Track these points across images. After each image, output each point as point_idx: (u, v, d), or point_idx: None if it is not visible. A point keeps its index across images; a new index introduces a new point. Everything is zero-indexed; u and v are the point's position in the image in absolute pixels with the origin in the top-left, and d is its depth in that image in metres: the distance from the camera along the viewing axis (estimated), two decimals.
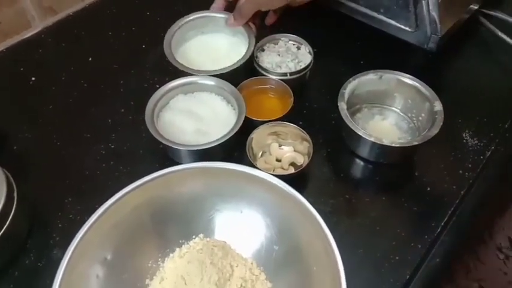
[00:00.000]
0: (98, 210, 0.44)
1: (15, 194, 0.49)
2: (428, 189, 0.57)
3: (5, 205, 0.46)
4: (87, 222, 0.43)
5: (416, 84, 0.60)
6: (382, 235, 0.53)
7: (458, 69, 0.71)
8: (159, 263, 0.48)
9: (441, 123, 0.56)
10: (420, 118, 0.61)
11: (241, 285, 0.45)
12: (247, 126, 0.58)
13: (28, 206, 0.51)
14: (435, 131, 0.55)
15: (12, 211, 0.48)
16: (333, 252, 0.41)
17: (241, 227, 0.49)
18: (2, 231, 0.46)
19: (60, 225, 0.53)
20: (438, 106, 0.58)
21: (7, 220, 0.47)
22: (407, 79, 0.61)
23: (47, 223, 0.53)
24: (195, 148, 0.55)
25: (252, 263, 0.48)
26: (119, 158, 0.59)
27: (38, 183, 0.56)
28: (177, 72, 0.63)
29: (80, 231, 0.43)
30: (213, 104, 0.62)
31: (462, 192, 0.56)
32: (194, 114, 0.60)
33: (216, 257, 0.46)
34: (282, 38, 0.69)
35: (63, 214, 0.53)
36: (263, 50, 0.68)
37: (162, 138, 0.55)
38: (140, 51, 0.74)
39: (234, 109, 0.61)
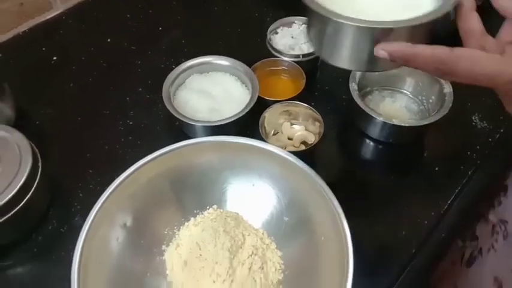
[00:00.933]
0: (118, 178, 0.46)
1: (39, 164, 0.51)
2: (437, 168, 0.58)
3: (30, 174, 0.49)
4: (107, 189, 0.46)
5: None
6: (389, 211, 0.54)
7: None
8: (174, 230, 0.50)
9: (450, 105, 0.57)
10: (430, 101, 0.62)
11: (252, 253, 0.47)
12: (260, 106, 0.59)
13: (50, 177, 0.54)
14: (444, 111, 0.56)
15: (37, 179, 0.50)
16: (341, 223, 0.43)
17: (253, 200, 0.51)
18: (27, 198, 0.49)
19: (81, 195, 0.55)
20: (448, 88, 0.59)
21: (32, 187, 0.49)
22: None
23: (69, 193, 0.55)
24: (210, 124, 0.57)
25: (263, 233, 0.50)
26: (136, 133, 0.62)
27: (60, 156, 0.59)
28: (193, 54, 0.65)
29: (101, 197, 0.45)
30: (227, 83, 0.64)
31: (469, 173, 0.57)
32: (208, 93, 0.63)
33: (228, 226, 0.48)
34: (295, 21, 0.70)
35: (83, 185, 0.56)
36: (276, 33, 0.70)
37: (178, 114, 0.57)
38: (157, 34, 0.76)
39: (247, 89, 0.63)
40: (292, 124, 0.62)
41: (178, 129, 0.61)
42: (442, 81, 0.59)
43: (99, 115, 0.64)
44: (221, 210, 0.52)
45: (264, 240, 0.49)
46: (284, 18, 0.70)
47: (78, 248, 0.42)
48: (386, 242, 0.52)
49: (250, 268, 0.46)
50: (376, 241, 0.52)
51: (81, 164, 0.58)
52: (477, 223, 0.73)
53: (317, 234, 0.47)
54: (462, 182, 0.57)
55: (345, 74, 0.61)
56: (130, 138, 0.62)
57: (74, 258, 0.41)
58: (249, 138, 0.50)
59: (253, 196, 0.51)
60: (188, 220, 0.51)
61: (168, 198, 0.50)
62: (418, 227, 0.53)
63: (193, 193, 0.51)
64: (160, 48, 0.73)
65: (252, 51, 0.68)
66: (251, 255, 0.47)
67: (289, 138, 0.61)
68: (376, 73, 0.63)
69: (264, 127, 0.59)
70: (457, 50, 0.33)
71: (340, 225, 0.43)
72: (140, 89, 0.67)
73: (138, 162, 0.48)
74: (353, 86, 0.59)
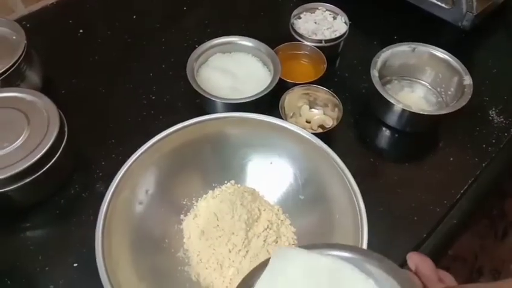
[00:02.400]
0: (143, 146, 0.48)
1: (65, 129, 0.53)
2: (451, 159, 0.59)
3: (57, 137, 0.51)
4: (133, 155, 0.47)
5: (448, 58, 0.62)
6: (402, 197, 0.55)
7: (489, 49, 0.72)
8: (193, 201, 0.52)
9: (469, 96, 0.58)
10: (449, 92, 0.63)
11: (267, 227, 0.49)
12: (280, 88, 0.60)
13: (75, 143, 0.56)
14: (463, 102, 0.57)
15: (63, 144, 0.52)
16: (357, 202, 0.44)
17: (270, 177, 0.53)
18: (53, 161, 0.50)
19: (103, 163, 0.57)
20: (468, 80, 0.59)
21: (58, 151, 0.51)
22: (440, 53, 0.62)
23: (92, 160, 0.57)
24: (231, 101, 0.58)
25: (278, 209, 0.51)
26: (158, 108, 0.63)
27: (84, 125, 0.60)
28: (215, 34, 0.66)
29: (127, 162, 0.47)
30: (249, 64, 0.65)
31: (483, 165, 0.58)
32: (231, 73, 0.64)
33: (245, 200, 0.50)
34: (319, 7, 0.71)
35: (106, 153, 0.58)
36: (300, 18, 0.70)
37: (201, 90, 0.58)
38: (181, 13, 0.77)
39: (268, 71, 0.64)
40: (311, 107, 0.63)
41: (199, 106, 0.62)
42: (462, 72, 0.60)
43: (123, 88, 0.66)
44: (239, 185, 0.53)
45: (279, 216, 0.51)
46: (307, 4, 0.71)
47: (102, 210, 0.44)
48: (398, 226, 0.53)
49: (264, 241, 0.48)
50: (388, 224, 0.53)
51: (104, 133, 0.60)
52: (504, 201, 0.75)
53: (332, 212, 0.48)
54: (475, 173, 0.57)
55: (365, 62, 0.62)
56: (152, 112, 0.63)
57: (99, 216, 0.43)
58: (270, 116, 0.51)
59: (271, 173, 0.53)
60: (206, 193, 0.53)
61: (189, 170, 0.52)
62: (430, 213, 0.54)
63: (213, 167, 0.53)
64: (184, 27, 0.74)
65: (274, 34, 0.69)
66: (266, 229, 0.49)
67: (307, 121, 0.62)
68: (397, 63, 0.64)
69: (284, 108, 0.60)
70: None
71: (356, 204, 0.44)
72: (163, 66, 0.69)
73: (163, 132, 0.49)
74: (374, 73, 0.59)
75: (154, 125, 0.61)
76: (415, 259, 0.37)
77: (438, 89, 0.65)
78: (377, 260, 0.31)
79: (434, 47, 0.63)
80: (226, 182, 0.53)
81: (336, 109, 0.60)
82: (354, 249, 0.33)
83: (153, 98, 0.65)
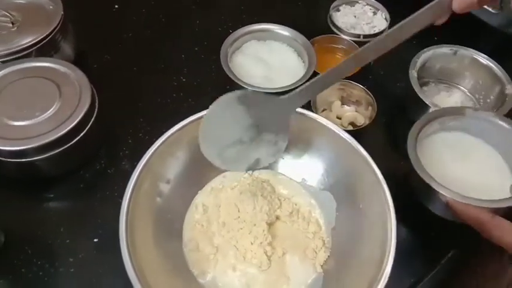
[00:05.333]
0: (171, 129, 0.48)
1: (96, 104, 0.53)
2: None
3: (88, 111, 0.51)
4: (160, 138, 0.47)
5: (491, 65, 0.59)
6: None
7: None
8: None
9: (510, 106, 0.55)
10: (488, 100, 0.61)
11: (290, 213, 0.49)
12: None
13: (104, 119, 0.55)
14: (503, 112, 0.55)
15: (93, 117, 0.52)
16: (384, 194, 0.44)
17: (296, 167, 0.52)
18: (82, 134, 0.50)
19: (130, 141, 0.57)
20: (510, 89, 0.57)
21: (88, 125, 0.51)
22: (482, 59, 0.60)
23: (119, 137, 0.57)
24: (262, 90, 0.57)
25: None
26: (188, 90, 0.63)
27: (113, 102, 0.59)
28: (250, 21, 0.65)
29: (153, 145, 0.46)
30: (284, 54, 0.64)
31: None
32: (264, 61, 0.63)
33: (265, 191, 0.49)
34: (359, 1, 0.69)
35: (133, 132, 0.57)
36: (338, 10, 0.69)
37: (233, 76, 0.58)
38: None
39: (302, 62, 0.63)
40: (343, 104, 0.61)
41: (229, 92, 0.61)
42: (505, 81, 0.58)
43: (154, 68, 0.65)
44: (255, 176, 0.52)
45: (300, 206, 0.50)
46: None
47: (128, 189, 0.43)
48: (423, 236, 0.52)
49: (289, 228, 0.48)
50: (414, 230, 0.51)
51: (133, 112, 0.60)
52: None
53: (356, 203, 0.47)
54: None
55: (403, 61, 0.60)
56: (181, 94, 0.62)
57: (124, 195, 0.43)
58: (301, 108, 0.50)
59: (300, 165, 0.52)
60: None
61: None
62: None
63: None
64: (220, 12, 0.73)
65: (311, 25, 0.68)
66: (290, 216, 0.49)
67: (338, 117, 0.61)
68: (437, 65, 0.62)
69: (315, 102, 0.59)
70: (496, 220, 0.43)
71: (383, 196, 0.44)
72: (196, 49, 0.68)
73: (192, 116, 0.49)
74: (412, 73, 0.58)
75: (183, 107, 0.61)
76: None
77: (476, 96, 0.62)
78: None
79: (476, 51, 0.61)
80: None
81: (370, 108, 0.59)
82: None
83: (184, 80, 0.64)
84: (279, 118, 0.44)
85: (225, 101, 0.42)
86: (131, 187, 0.43)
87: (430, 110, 0.56)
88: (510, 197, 0.46)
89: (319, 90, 0.45)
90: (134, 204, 0.43)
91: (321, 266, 0.46)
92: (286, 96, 0.43)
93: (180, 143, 0.49)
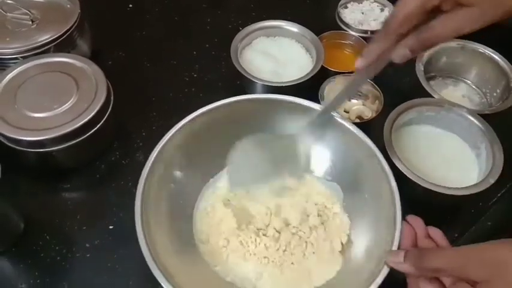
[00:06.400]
0: (182, 121, 0.50)
1: (111, 97, 0.55)
2: None
3: (104, 104, 0.53)
4: (172, 130, 0.49)
5: (497, 58, 0.60)
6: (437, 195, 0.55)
7: None
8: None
9: None
10: (494, 94, 0.61)
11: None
12: (322, 75, 0.60)
13: (118, 112, 0.57)
14: (509, 104, 0.56)
15: (108, 111, 0.54)
16: (389, 183, 0.45)
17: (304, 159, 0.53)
18: (98, 126, 0.52)
19: (144, 134, 0.59)
20: None
21: (103, 117, 0.53)
22: (489, 53, 0.61)
23: (133, 130, 0.59)
24: (271, 84, 0.59)
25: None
26: (199, 86, 0.65)
27: (127, 96, 0.61)
28: (260, 18, 0.66)
29: (165, 136, 0.48)
30: (293, 50, 0.65)
31: None
32: (273, 57, 0.64)
33: None
34: None
35: (147, 125, 0.60)
36: (346, 7, 0.70)
37: (243, 71, 0.59)
38: None
39: (311, 57, 0.64)
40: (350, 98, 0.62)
41: (239, 87, 0.63)
42: (511, 74, 0.59)
43: (167, 64, 0.67)
44: None
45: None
46: None
47: (142, 178, 0.45)
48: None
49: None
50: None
51: (146, 106, 0.62)
52: None
53: (363, 194, 0.49)
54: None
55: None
56: (193, 89, 0.64)
57: (138, 185, 0.45)
58: (308, 101, 0.51)
59: (305, 156, 0.53)
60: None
61: (219, 149, 0.52)
62: (468, 214, 0.53)
63: None
64: (230, 9, 0.75)
65: (319, 22, 0.69)
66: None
67: (345, 111, 0.62)
68: (443, 59, 0.63)
69: (324, 96, 0.60)
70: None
71: (388, 185, 0.45)
72: (207, 45, 0.70)
73: (202, 108, 0.50)
74: (419, 67, 0.59)
75: (194, 102, 0.61)
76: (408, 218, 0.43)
77: (483, 90, 0.63)
78: None
79: (483, 46, 0.62)
80: None
81: (377, 101, 0.60)
82: None
83: (195, 76, 0.66)
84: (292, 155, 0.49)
85: (243, 148, 0.49)
86: (146, 172, 0.45)
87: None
88: (474, 185, 0.48)
89: (324, 123, 0.49)
90: (149, 188, 0.45)
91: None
92: (294, 133, 0.49)
93: (193, 132, 0.50)
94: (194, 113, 0.51)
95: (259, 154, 0.49)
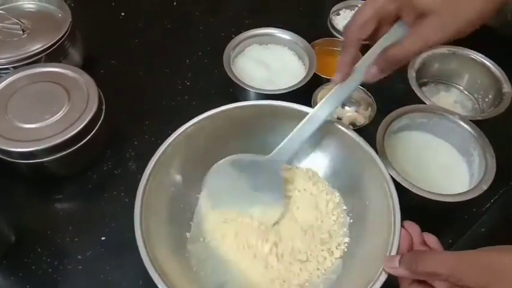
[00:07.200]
0: (178, 130, 0.49)
1: (103, 107, 0.55)
2: None
3: (95, 114, 0.52)
4: (168, 139, 0.48)
5: (489, 64, 0.61)
6: (430, 202, 0.54)
7: None
8: None
9: (508, 104, 0.56)
10: (486, 100, 0.62)
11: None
12: (314, 83, 0.60)
13: (111, 122, 0.57)
14: (500, 110, 0.56)
15: (100, 120, 0.53)
16: (389, 188, 0.45)
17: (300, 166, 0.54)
18: (89, 136, 0.52)
19: (136, 143, 0.59)
20: (507, 88, 0.58)
21: (95, 127, 0.53)
22: (481, 58, 0.61)
23: (125, 139, 0.59)
24: (263, 92, 0.59)
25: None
26: (192, 94, 0.65)
27: (120, 105, 0.61)
28: (253, 26, 0.67)
29: (161, 146, 0.48)
30: (285, 57, 0.65)
31: None
32: (266, 64, 0.64)
33: None
34: (359, 5, 0.70)
35: (139, 134, 0.59)
36: (338, 14, 0.70)
37: (236, 79, 0.59)
38: (221, 3, 0.78)
39: (304, 65, 0.64)
40: (343, 105, 0.62)
41: (232, 95, 0.63)
42: (502, 80, 0.59)
43: (160, 72, 0.67)
44: None
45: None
46: (347, 1, 0.71)
47: (140, 188, 0.45)
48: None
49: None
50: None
51: (139, 114, 0.62)
52: None
53: (363, 200, 0.48)
54: (508, 184, 0.56)
55: None
56: (186, 97, 0.64)
57: (137, 194, 0.44)
58: (302, 105, 0.51)
59: (308, 163, 0.53)
60: None
61: (220, 156, 0.52)
62: (467, 212, 0.54)
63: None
64: (223, 17, 0.75)
65: (312, 29, 0.69)
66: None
67: (338, 118, 0.62)
68: (436, 65, 0.63)
69: (316, 103, 0.60)
70: None
71: (388, 190, 0.45)
72: (200, 53, 0.70)
73: (199, 116, 0.50)
74: (411, 74, 0.59)
75: (187, 110, 0.62)
76: (405, 224, 0.43)
77: (475, 95, 0.63)
78: None
79: (474, 52, 0.62)
80: None
81: (369, 108, 0.60)
82: None
83: (188, 84, 0.66)
84: (269, 176, 0.48)
85: (220, 168, 0.49)
86: (142, 187, 0.45)
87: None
88: (467, 191, 0.48)
89: (298, 145, 0.48)
90: (149, 194, 0.44)
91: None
92: (270, 155, 0.48)
93: (194, 136, 0.50)
94: (199, 116, 0.50)
95: (236, 180, 0.48)
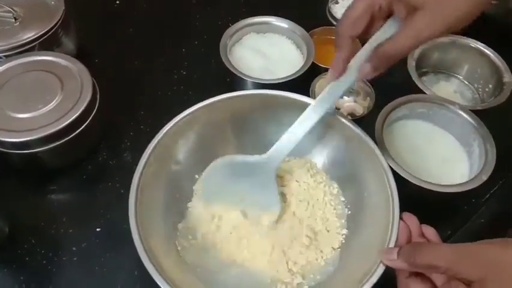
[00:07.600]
0: (173, 120, 0.48)
1: (97, 96, 0.54)
2: None
3: (89, 103, 0.51)
4: (163, 129, 0.48)
5: (489, 53, 0.60)
6: (429, 192, 0.54)
7: None
8: None
9: (508, 94, 0.56)
10: (487, 89, 0.61)
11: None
12: (312, 72, 0.60)
13: (105, 112, 0.56)
14: (501, 100, 0.55)
15: (94, 110, 0.53)
16: (388, 180, 0.45)
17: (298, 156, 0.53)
18: (83, 126, 0.51)
19: (131, 133, 0.58)
20: (508, 78, 0.57)
21: (89, 117, 0.52)
22: (481, 47, 0.60)
23: (120, 129, 0.58)
24: (261, 82, 0.58)
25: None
26: (188, 83, 0.63)
27: (115, 95, 0.60)
28: (250, 14, 0.65)
29: (156, 136, 0.47)
30: (283, 46, 0.64)
31: None
32: (263, 53, 0.63)
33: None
34: None
35: (134, 124, 0.58)
36: (337, 3, 0.69)
37: (233, 68, 0.58)
38: None
39: (301, 54, 0.63)
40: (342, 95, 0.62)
41: (229, 84, 0.62)
42: (503, 69, 0.58)
43: (155, 62, 0.66)
44: None
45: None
46: None
47: (135, 180, 0.44)
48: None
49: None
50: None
51: (134, 104, 0.61)
52: None
53: (361, 191, 0.48)
54: (508, 175, 0.56)
55: None
56: (182, 87, 0.63)
57: (131, 186, 0.44)
58: (301, 95, 0.51)
59: (299, 154, 0.52)
60: None
61: (216, 147, 0.52)
62: (466, 204, 0.53)
63: (240, 145, 0.53)
64: (219, 6, 0.74)
65: (310, 18, 0.68)
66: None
67: (336, 108, 0.61)
68: (435, 55, 0.62)
69: (314, 93, 0.60)
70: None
71: (387, 182, 0.45)
72: (196, 42, 0.69)
73: (193, 107, 0.49)
74: (411, 63, 0.58)
75: (183, 100, 0.61)
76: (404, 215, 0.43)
77: (475, 85, 0.63)
78: None
79: (474, 41, 0.61)
80: None
81: (368, 98, 0.59)
82: None
83: (184, 73, 0.65)
84: (263, 180, 0.47)
85: (214, 169, 0.48)
86: (141, 168, 0.44)
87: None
88: (466, 182, 0.47)
89: (291, 146, 0.46)
90: (144, 185, 0.44)
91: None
92: (264, 156, 0.47)
93: (191, 126, 0.50)
94: (196, 105, 0.50)
95: (231, 182, 0.47)
